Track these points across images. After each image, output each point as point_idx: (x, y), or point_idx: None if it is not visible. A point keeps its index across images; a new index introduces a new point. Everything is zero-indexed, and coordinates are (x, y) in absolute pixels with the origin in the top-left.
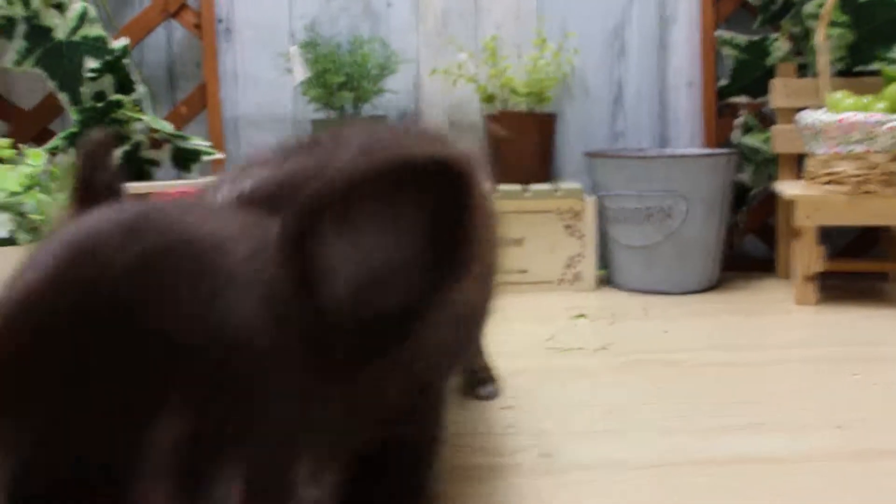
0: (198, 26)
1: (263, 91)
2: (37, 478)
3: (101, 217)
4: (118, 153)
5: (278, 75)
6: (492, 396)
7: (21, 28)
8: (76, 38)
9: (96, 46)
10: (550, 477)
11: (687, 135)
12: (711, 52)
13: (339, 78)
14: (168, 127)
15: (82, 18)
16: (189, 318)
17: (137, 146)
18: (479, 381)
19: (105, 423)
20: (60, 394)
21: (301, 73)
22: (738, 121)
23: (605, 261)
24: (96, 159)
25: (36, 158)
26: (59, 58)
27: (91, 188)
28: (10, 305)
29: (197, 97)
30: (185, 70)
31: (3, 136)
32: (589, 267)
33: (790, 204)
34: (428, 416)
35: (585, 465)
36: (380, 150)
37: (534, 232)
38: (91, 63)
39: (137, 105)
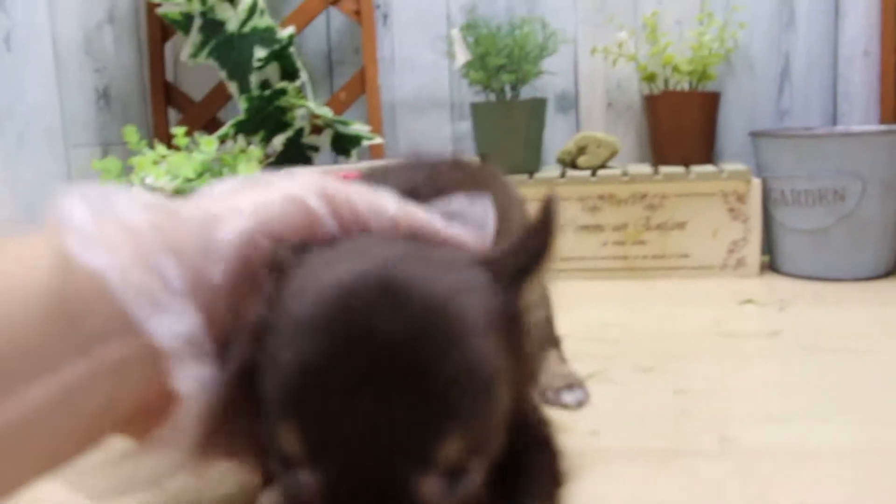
0: (357, 12)
1: (421, 75)
2: (341, 480)
3: (363, 277)
4: (280, 140)
5: (436, 59)
6: (581, 403)
7: (197, 22)
8: (246, 29)
9: (265, 36)
10: (732, 461)
11: (861, 110)
12: (893, 17)
13: (500, 60)
14: (329, 113)
15: (252, 10)
16: (458, 361)
17: (300, 132)
18: (564, 386)
19: (409, 439)
20: (376, 419)
21: (463, 55)
22: None
23: (768, 245)
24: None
25: (209, 146)
26: (231, 49)
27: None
28: (323, 350)
29: (356, 83)
30: (344, 56)
31: (177, 125)
32: (753, 252)
33: None
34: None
35: (767, 450)
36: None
37: (696, 215)
38: (260, 52)
39: (300, 92)
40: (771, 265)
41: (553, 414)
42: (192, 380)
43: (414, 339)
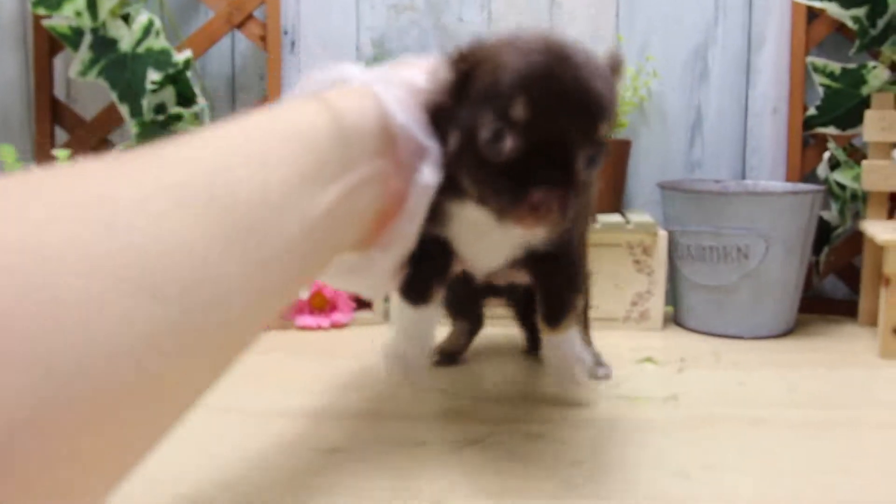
0: (263, 38)
1: None
2: (533, 145)
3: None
4: None
5: None
6: (608, 376)
7: (87, 39)
8: (140, 49)
9: (160, 59)
10: None
11: (768, 166)
12: (801, 77)
13: None
14: None
15: (147, 31)
16: (606, 90)
17: None
18: (596, 363)
19: (585, 120)
20: (565, 113)
21: None
22: (826, 154)
23: (672, 299)
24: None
25: None
26: (123, 69)
27: None
28: (532, 76)
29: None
30: (248, 82)
31: (63, 146)
32: (657, 305)
33: (880, 248)
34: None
35: None
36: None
37: (601, 266)
38: (154, 75)
39: (198, 118)
40: (675, 319)
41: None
42: (429, 177)
43: (583, 68)
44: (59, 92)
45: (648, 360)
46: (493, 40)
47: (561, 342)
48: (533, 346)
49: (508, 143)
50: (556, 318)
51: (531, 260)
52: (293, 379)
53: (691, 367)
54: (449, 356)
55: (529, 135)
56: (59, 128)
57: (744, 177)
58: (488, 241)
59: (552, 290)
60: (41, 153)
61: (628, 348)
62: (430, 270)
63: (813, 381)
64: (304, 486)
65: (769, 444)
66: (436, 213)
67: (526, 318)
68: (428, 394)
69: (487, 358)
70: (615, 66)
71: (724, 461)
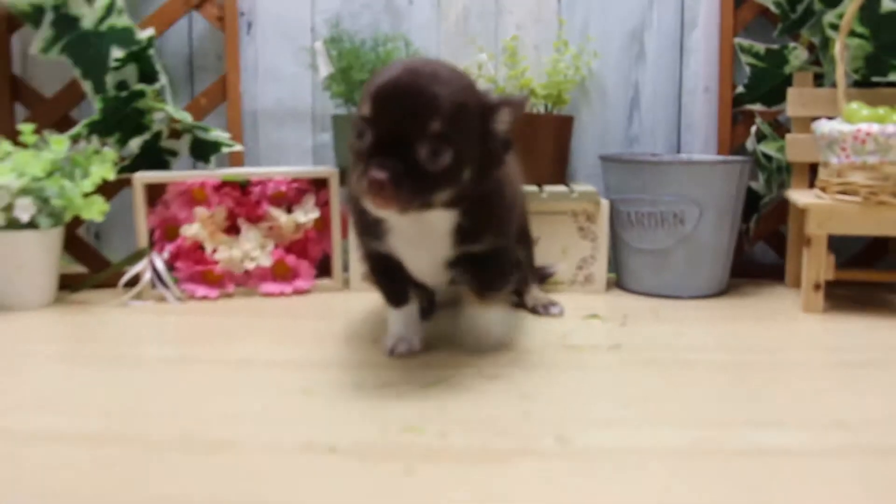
0: (220, 19)
1: (283, 85)
2: (379, 138)
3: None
4: (137, 143)
5: (298, 70)
6: (562, 313)
7: (49, 16)
8: (103, 27)
9: (123, 37)
10: (566, 461)
11: (701, 141)
12: (730, 58)
13: (363, 75)
14: (188, 118)
15: (110, 8)
16: (447, 90)
17: (158, 136)
18: (548, 303)
19: (415, 116)
20: (400, 112)
21: (325, 68)
22: (753, 129)
23: (614, 264)
24: None
25: (59, 145)
26: (86, 47)
27: None
28: (381, 83)
29: (217, 89)
30: (205, 62)
31: (24, 121)
32: (600, 269)
33: (802, 212)
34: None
35: (602, 450)
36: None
37: (548, 233)
38: (117, 52)
39: (159, 95)
40: (617, 283)
41: (410, 415)
42: None
43: (424, 78)
44: (16, 69)
45: (594, 316)
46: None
47: (481, 314)
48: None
49: (366, 137)
50: (482, 296)
51: (466, 262)
52: (260, 335)
53: (633, 323)
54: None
55: (377, 129)
56: (18, 104)
57: (678, 151)
58: (422, 249)
59: (483, 279)
60: (2, 128)
61: (574, 307)
62: (393, 281)
63: (742, 332)
64: (275, 420)
65: (698, 379)
66: (374, 230)
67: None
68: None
69: (449, 316)
70: (515, 105)
71: (658, 394)
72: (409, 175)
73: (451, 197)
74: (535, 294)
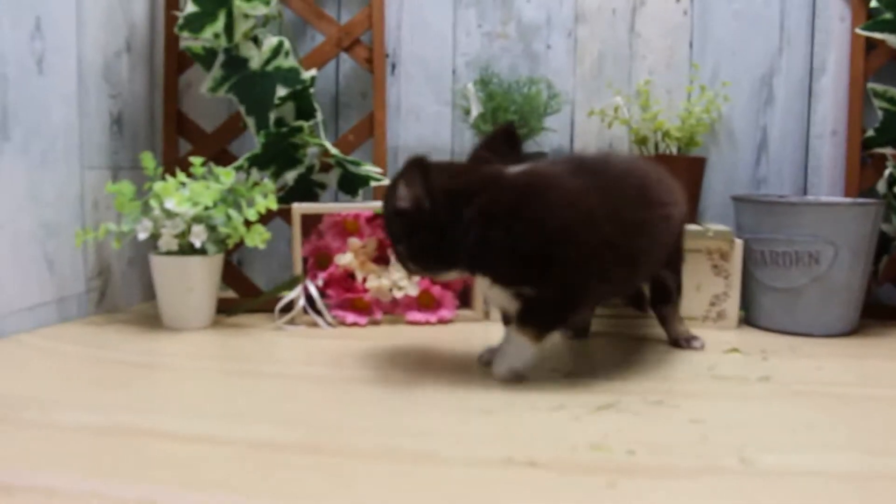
0: (369, 60)
1: (424, 124)
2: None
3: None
4: (292, 175)
5: (439, 109)
6: (701, 347)
7: (220, 58)
8: (269, 68)
9: (288, 76)
10: (754, 479)
11: (828, 183)
12: (858, 102)
13: (510, 115)
14: (339, 153)
15: (277, 51)
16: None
17: (310, 169)
18: (690, 337)
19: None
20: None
21: (476, 108)
22: (886, 172)
23: (745, 302)
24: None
25: (227, 177)
26: (252, 86)
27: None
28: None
29: (364, 126)
30: (350, 101)
31: (188, 154)
32: (733, 306)
33: None
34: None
35: (786, 472)
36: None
37: (683, 269)
38: (281, 91)
39: (314, 131)
40: (747, 319)
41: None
42: None
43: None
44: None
45: (734, 350)
46: None
47: (513, 340)
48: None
49: None
50: (522, 324)
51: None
52: (413, 359)
53: (773, 357)
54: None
55: None
56: (180, 138)
57: (805, 193)
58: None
59: (527, 309)
60: (169, 160)
61: (711, 342)
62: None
63: (880, 368)
64: (467, 436)
65: (853, 410)
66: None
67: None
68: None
69: (607, 342)
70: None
71: (820, 423)
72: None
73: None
74: (678, 326)
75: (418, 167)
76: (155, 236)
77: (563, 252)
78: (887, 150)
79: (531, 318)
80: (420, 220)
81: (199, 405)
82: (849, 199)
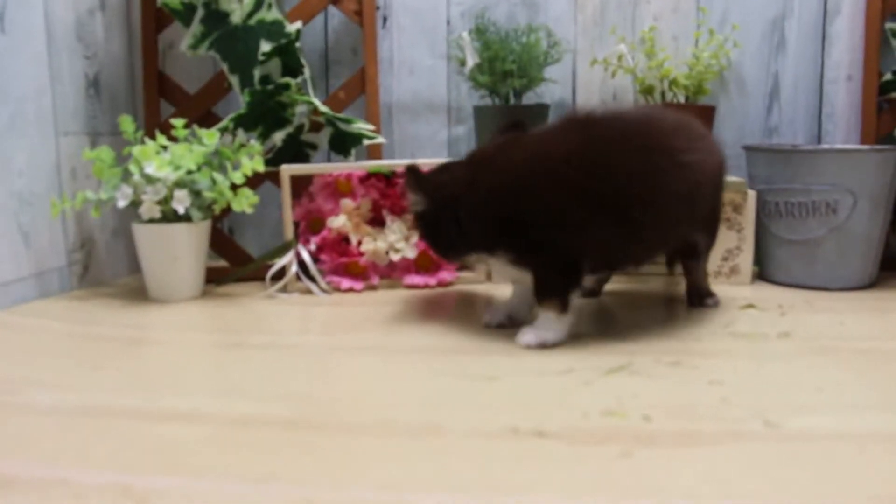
0: (358, 13)
1: (419, 78)
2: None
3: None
4: (280, 136)
5: (434, 63)
6: (716, 305)
7: (199, 13)
8: (252, 21)
9: (272, 30)
10: (781, 444)
11: (843, 131)
12: (875, 45)
13: (508, 65)
14: (329, 110)
15: (259, 3)
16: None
17: (299, 129)
18: (705, 293)
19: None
20: None
21: (472, 59)
22: None
23: (758, 256)
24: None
25: (210, 138)
26: (235, 41)
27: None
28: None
29: (355, 82)
30: (340, 57)
31: (170, 117)
32: (746, 261)
33: None
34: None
35: (815, 435)
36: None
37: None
38: (265, 46)
39: (301, 88)
40: (761, 275)
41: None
42: None
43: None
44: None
45: (750, 306)
46: None
47: (540, 315)
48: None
49: None
50: (538, 299)
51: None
52: (413, 324)
53: (791, 313)
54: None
55: None
56: (162, 100)
57: (819, 141)
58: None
59: (538, 284)
60: (151, 124)
61: (726, 298)
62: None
63: None
64: (473, 405)
65: (879, 367)
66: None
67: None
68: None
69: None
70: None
71: (847, 381)
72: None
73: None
74: (700, 281)
75: (412, 173)
76: (136, 204)
77: (532, 214)
78: None
79: (542, 290)
80: (429, 217)
81: (184, 381)
82: (866, 147)
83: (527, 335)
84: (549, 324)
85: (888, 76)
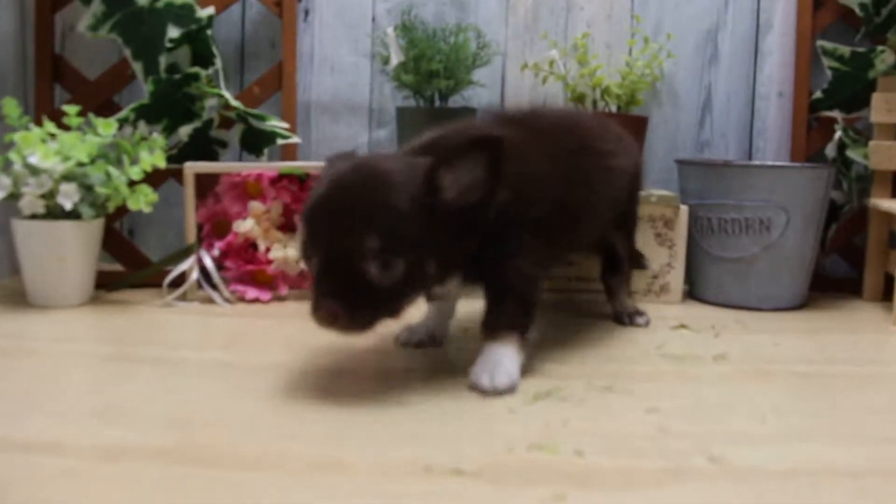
0: (278, 4)
1: (341, 77)
2: (324, 263)
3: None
4: (186, 130)
5: (357, 61)
6: (646, 324)
7: None
8: (160, 4)
9: (182, 14)
10: (729, 483)
11: (774, 147)
12: (806, 61)
13: (435, 65)
14: (241, 106)
15: None
16: (379, 197)
17: (208, 124)
18: (634, 312)
19: (349, 237)
20: (336, 234)
21: (396, 57)
22: (836, 135)
23: (688, 274)
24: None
25: (107, 129)
26: (139, 24)
27: None
28: (312, 205)
29: (271, 78)
30: (257, 50)
31: (65, 104)
32: (677, 279)
33: (886, 223)
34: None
35: (764, 471)
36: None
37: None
38: (173, 32)
39: (212, 80)
40: (691, 293)
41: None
42: None
43: (353, 190)
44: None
45: (683, 326)
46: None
47: (488, 349)
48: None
49: (311, 261)
50: (488, 328)
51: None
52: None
53: (725, 334)
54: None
55: (318, 252)
56: (57, 86)
57: (750, 157)
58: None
59: (491, 309)
60: (40, 110)
61: (657, 317)
62: None
63: (839, 343)
64: (378, 437)
65: (821, 391)
66: None
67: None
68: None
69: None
70: (454, 156)
71: (791, 407)
72: (364, 295)
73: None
74: (624, 300)
75: None
76: (15, 196)
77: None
78: (836, 114)
79: (498, 319)
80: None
81: (55, 401)
82: (799, 164)
83: (489, 378)
84: (509, 360)
85: (818, 94)
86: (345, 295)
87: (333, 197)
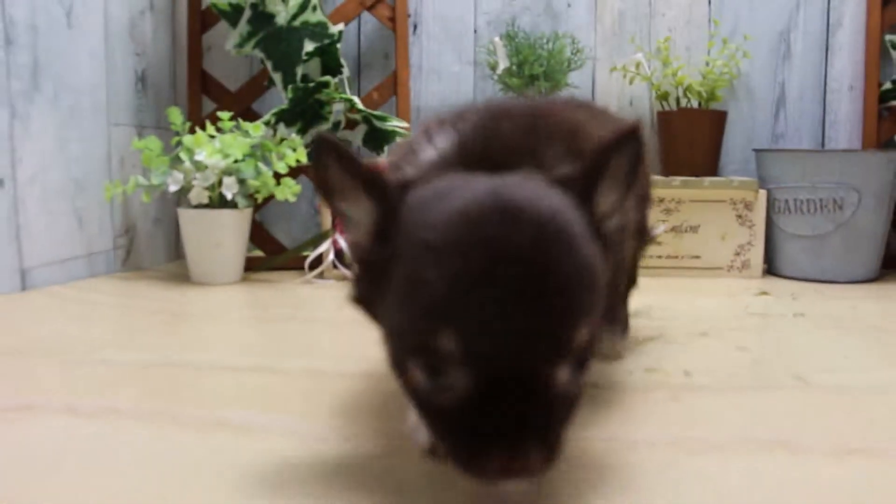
0: (391, 19)
1: (446, 83)
2: (494, 380)
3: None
4: (318, 131)
5: (461, 68)
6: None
7: (246, 14)
8: (296, 23)
9: (316, 31)
10: (815, 393)
11: (845, 137)
12: (876, 55)
13: (538, 69)
14: (366, 108)
15: (304, 5)
16: (571, 261)
17: (336, 126)
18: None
19: (553, 336)
20: (522, 331)
21: (503, 62)
22: None
23: (768, 252)
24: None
25: (256, 130)
26: (279, 41)
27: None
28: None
29: (387, 85)
30: (372, 61)
31: (212, 112)
32: (757, 255)
33: None
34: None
35: (842, 387)
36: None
37: (707, 220)
38: (308, 46)
39: (339, 88)
40: (769, 269)
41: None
42: None
43: (538, 251)
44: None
45: (764, 293)
46: (428, 181)
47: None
48: None
49: (451, 379)
50: None
51: None
52: None
53: (804, 299)
54: None
55: (471, 370)
56: (204, 97)
57: (823, 147)
58: None
59: None
60: (193, 120)
61: (739, 289)
62: None
63: None
64: None
65: (893, 340)
66: None
67: None
68: None
69: None
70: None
71: (867, 349)
72: (549, 416)
73: None
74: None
75: None
76: (185, 189)
77: None
78: None
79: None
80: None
81: (242, 345)
82: (870, 149)
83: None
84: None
85: (888, 85)
86: (534, 426)
87: (516, 266)
